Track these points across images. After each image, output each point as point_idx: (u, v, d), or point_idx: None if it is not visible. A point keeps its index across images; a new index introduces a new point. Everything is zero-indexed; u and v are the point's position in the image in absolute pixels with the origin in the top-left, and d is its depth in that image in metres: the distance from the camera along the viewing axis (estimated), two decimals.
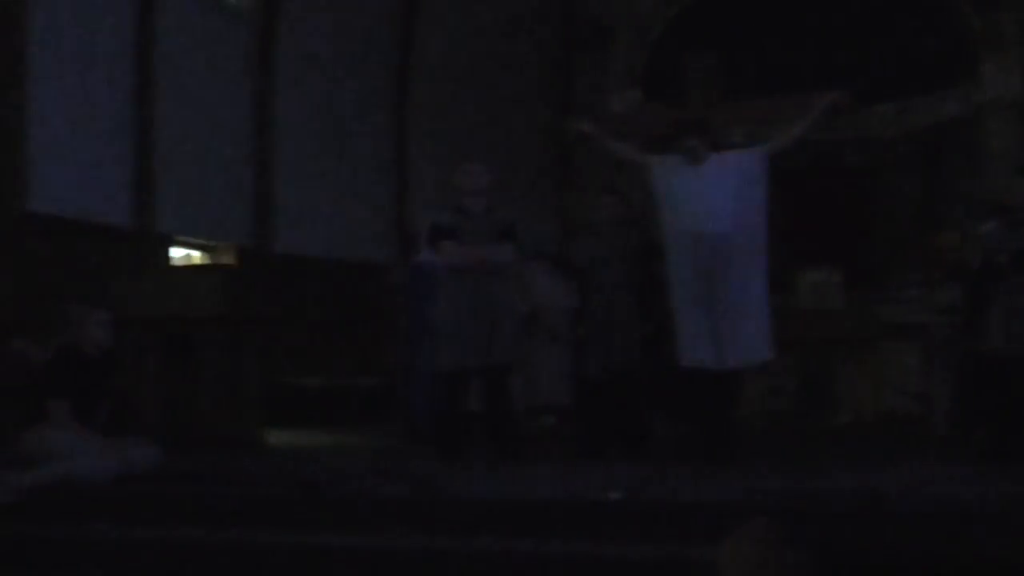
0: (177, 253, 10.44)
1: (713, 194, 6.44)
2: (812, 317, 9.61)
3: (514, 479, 5.97)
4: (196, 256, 10.76)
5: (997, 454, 6.32)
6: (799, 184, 9.70)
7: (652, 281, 7.30)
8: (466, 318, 6.84)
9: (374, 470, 6.07)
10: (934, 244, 9.05)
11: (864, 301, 10.20)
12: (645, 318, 7.36)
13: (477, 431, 7.75)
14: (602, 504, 5.08)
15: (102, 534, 5.43)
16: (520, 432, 7.49)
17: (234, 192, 10.79)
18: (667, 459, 6.74)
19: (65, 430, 6.01)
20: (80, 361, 6.12)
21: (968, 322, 6.89)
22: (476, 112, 13.24)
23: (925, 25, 12.61)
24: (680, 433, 8.04)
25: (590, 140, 7.09)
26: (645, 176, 6.77)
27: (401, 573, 4.79)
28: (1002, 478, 5.54)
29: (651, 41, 10.63)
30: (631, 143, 7.19)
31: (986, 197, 9.88)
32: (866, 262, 11.51)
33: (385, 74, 12.70)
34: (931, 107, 12.60)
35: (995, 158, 11.74)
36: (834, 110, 6.81)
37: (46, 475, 5.83)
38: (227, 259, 10.86)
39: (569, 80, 14.11)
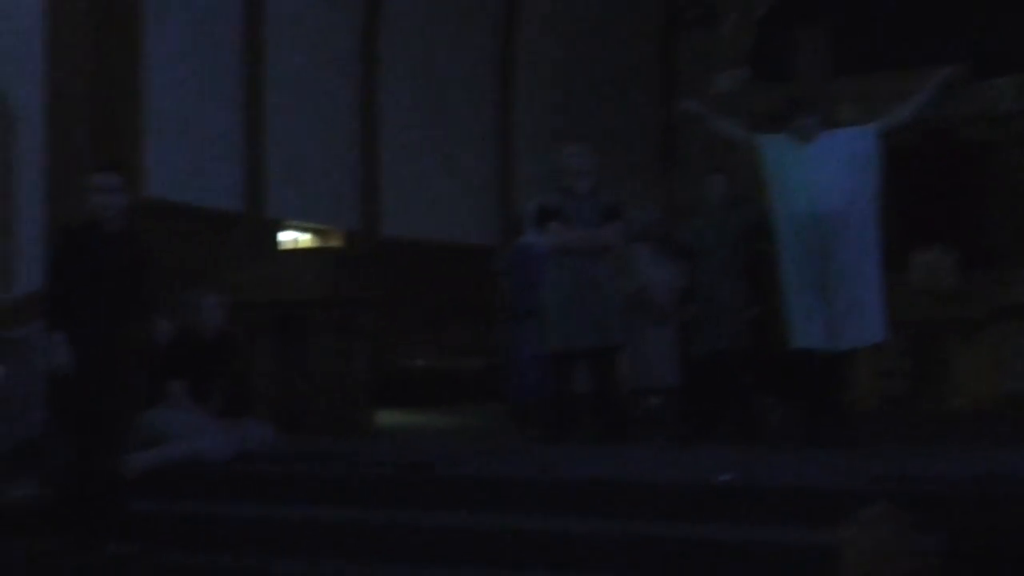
0: (285, 237, 10.61)
1: (824, 173, 6.31)
2: (926, 298, 9.37)
3: (621, 460, 5.95)
4: (304, 239, 10.92)
5: None
6: (912, 161, 9.43)
7: (761, 261, 7.21)
8: (572, 300, 6.83)
9: (484, 450, 6.12)
10: None
11: (980, 281, 9.91)
12: (753, 299, 7.28)
13: (583, 412, 7.75)
14: (712, 487, 5.03)
15: (218, 511, 5.57)
16: (626, 413, 7.47)
17: (341, 176, 10.93)
18: (776, 442, 6.66)
19: (183, 410, 6.17)
20: (197, 343, 6.27)
21: None
22: (579, 93, 13.20)
23: None
24: (789, 415, 7.94)
25: (697, 119, 7.01)
26: (754, 155, 6.67)
27: (510, 552, 4.82)
28: None
29: (758, 18, 10.46)
30: (738, 122, 7.09)
31: None
32: (982, 241, 11.18)
33: (488, 57, 12.72)
34: None
35: None
36: (949, 85, 6.62)
37: (165, 454, 6.00)
38: (334, 242, 11.02)
39: (672, 60, 13.96)
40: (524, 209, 8.48)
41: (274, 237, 10.20)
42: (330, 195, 10.72)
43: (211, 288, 6.65)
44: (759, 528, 4.70)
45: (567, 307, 6.83)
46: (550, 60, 13.18)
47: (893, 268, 7.67)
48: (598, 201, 6.96)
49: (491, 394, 11.64)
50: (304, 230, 10.84)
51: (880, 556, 2.49)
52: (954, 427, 7.83)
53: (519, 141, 13.01)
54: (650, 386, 8.42)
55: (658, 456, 6.18)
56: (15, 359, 6.77)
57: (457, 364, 11.93)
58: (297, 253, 10.04)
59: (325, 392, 7.92)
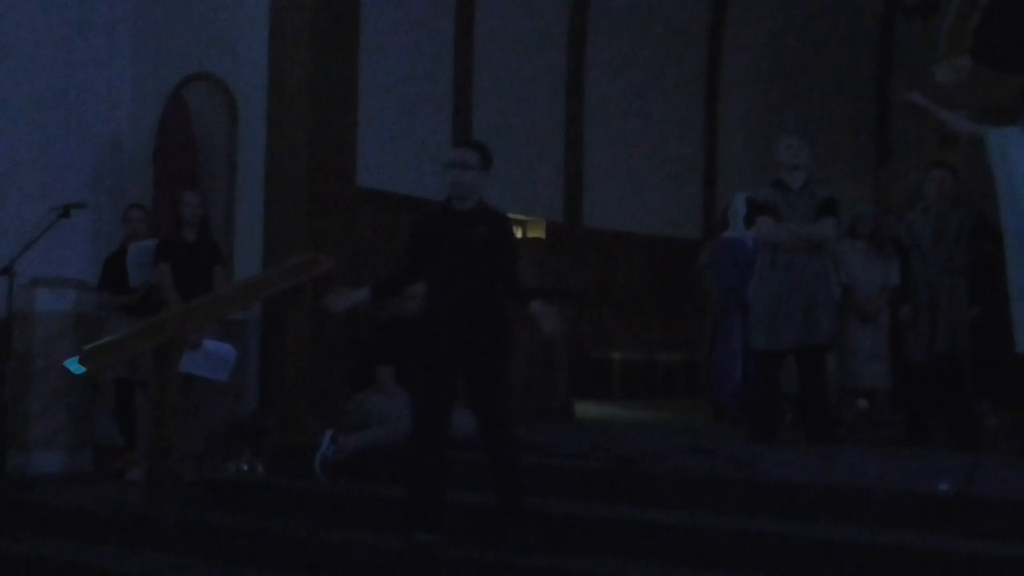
0: None
1: None
2: None
3: (831, 463, 5.77)
4: None
5: None
6: None
7: (983, 261, 6.88)
8: (783, 297, 6.66)
9: (689, 448, 6.03)
10: None
11: None
12: (974, 301, 6.95)
13: (788, 413, 7.57)
14: (931, 495, 4.82)
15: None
16: (833, 414, 7.25)
17: (544, 167, 10.98)
18: (997, 451, 6.34)
19: (391, 395, 6.30)
20: (404, 331, 6.39)
21: None
22: (790, 83, 12.88)
23: None
24: (1011, 423, 7.56)
25: (921, 111, 6.72)
26: (979, 149, 6.35)
27: (713, 553, 4.73)
28: None
29: (983, 5, 9.96)
30: (964, 115, 6.77)
31: None
32: None
33: (696, 48, 12.54)
34: None
35: None
36: None
37: (372, 437, 6.15)
38: (537, 233, 11.08)
39: (890, 48, 13.46)
40: (732, 202, 8.34)
41: None
42: (533, 186, 10.78)
43: None
44: (976, 541, 4.48)
45: (776, 304, 6.67)
46: (759, 48, 12.90)
47: None
48: (811, 195, 6.76)
49: (689, 389, 11.54)
50: None
51: None
52: None
53: (726, 131, 12.80)
54: (858, 387, 8.17)
55: (868, 460, 5.96)
56: (234, 341, 7.07)
57: (655, 357, 11.85)
58: None
59: (526, 382, 7.99)
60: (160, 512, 5.66)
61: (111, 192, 9.10)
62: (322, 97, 8.55)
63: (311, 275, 6.53)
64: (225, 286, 7.00)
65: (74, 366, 5.67)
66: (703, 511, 5.09)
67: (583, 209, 11.37)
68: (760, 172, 9.42)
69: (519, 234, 10.94)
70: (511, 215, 10.57)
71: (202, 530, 5.58)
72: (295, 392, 6.54)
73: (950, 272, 6.72)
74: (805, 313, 6.64)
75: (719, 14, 12.60)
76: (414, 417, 5.11)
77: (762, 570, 4.59)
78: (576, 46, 11.22)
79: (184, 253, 6.90)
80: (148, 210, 7.93)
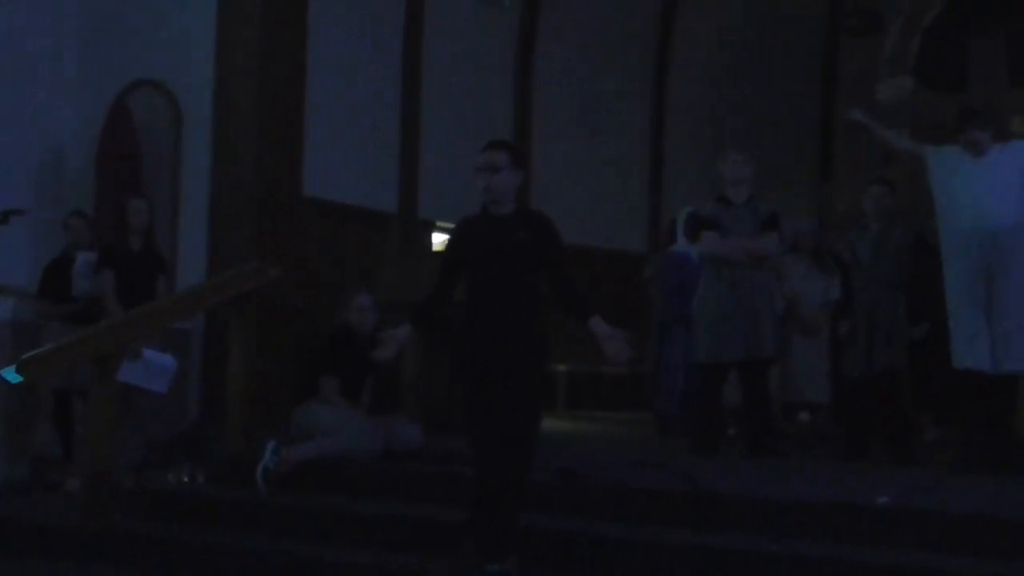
0: (439, 239, 10.72)
1: (995, 187, 6.06)
2: None
3: (772, 476, 5.83)
4: None
5: None
6: None
7: (922, 278, 6.98)
8: (725, 310, 6.72)
9: (633, 461, 6.05)
10: None
11: None
12: (914, 317, 7.04)
13: (732, 425, 7.62)
14: (869, 509, 4.87)
15: (361, 508, 5.63)
16: (775, 428, 7.32)
17: None
18: (936, 465, 6.43)
19: (334, 406, 6.27)
20: (351, 341, 6.37)
21: None
22: (735, 100, 12.99)
23: None
24: (947, 437, 7.66)
25: (863, 129, 6.81)
26: (920, 167, 6.45)
27: (654, 566, 4.75)
28: None
29: (924, 26, 10.14)
30: (904, 132, 6.88)
31: None
32: None
33: (643, 63, 12.62)
34: None
35: None
36: None
37: (316, 448, 6.11)
38: None
39: (833, 68, 13.64)
40: (677, 217, 8.39)
41: (426, 238, 10.32)
42: (480, 198, 10.76)
43: (360, 288, 6.76)
44: (918, 554, 4.53)
45: (720, 318, 6.72)
46: (706, 66, 13.01)
47: None
48: (755, 210, 6.83)
49: (634, 402, 11.58)
50: None
51: None
52: None
53: (672, 147, 12.89)
54: (800, 401, 8.25)
55: (809, 474, 6.02)
56: (176, 351, 7.00)
57: (601, 370, 11.87)
58: None
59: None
60: (99, 524, 5.58)
61: (53, 199, 8.96)
62: (269, 105, 8.50)
63: (256, 284, 6.48)
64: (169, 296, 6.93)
65: (11, 375, 5.58)
66: (646, 524, 5.11)
67: None
68: (707, 188, 9.49)
69: None
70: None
71: (142, 542, 5.51)
72: (238, 402, 6.48)
73: (889, 288, 6.80)
74: (748, 327, 6.70)
75: (667, 26, 12.70)
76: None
77: None
78: (524, 64, 11.25)
79: (129, 261, 6.82)
80: (89, 218, 7.84)
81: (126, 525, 5.67)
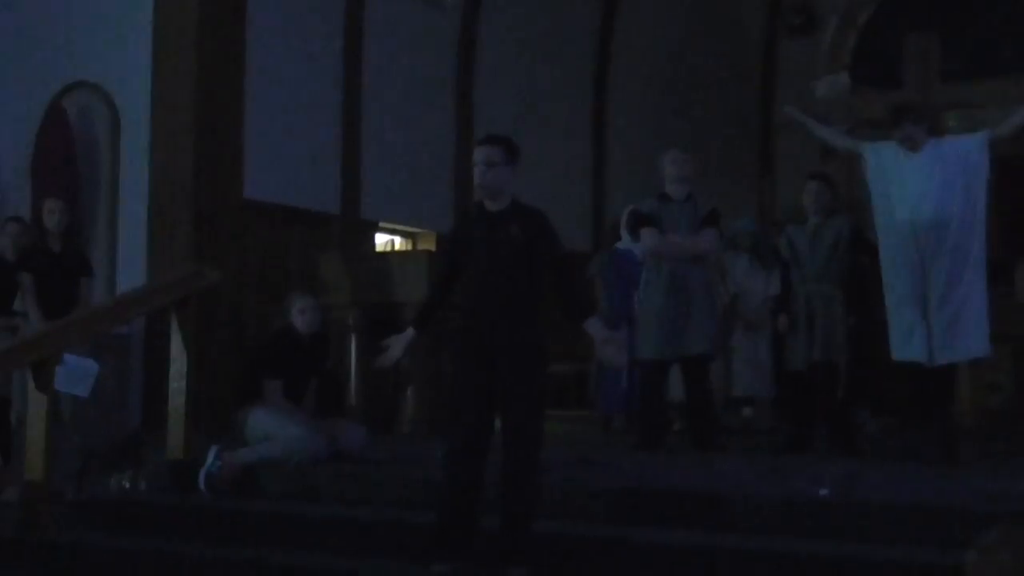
0: (381, 240, 10.69)
1: (929, 182, 6.16)
2: None
3: (715, 471, 5.87)
4: (398, 242, 10.99)
5: None
6: (1019, 172, 9.18)
7: (859, 272, 7.07)
8: (667, 307, 6.76)
9: (577, 458, 6.07)
10: None
11: None
12: (851, 310, 7.12)
13: (676, 421, 7.68)
14: (811, 501, 4.93)
15: (307, 511, 5.60)
16: (718, 423, 7.38)
17: (435, 180, 10.96)
18: (876, 456, 6.52)
19: (277, 410, 6.22)
20: (293, 343, 6.33)
21: None
22: (676, 98, 13.09)
23: None
24: (885, 429, 7.77)
25: (798, 126, 6.89)
26: (857, 162, 6.54)
27: (601, 562, 4.77)
28: None
29: (860, 24, 10.28)
30: (841, 129, 6.96)
31: None
32: None
33: (583, 62, 12.68)
34: None
35: None
36: None
37: (260, 452, 6.06)
38: (427, 245, 11.06)
39: (772, 66, 13.79)
40: (620, 214, 8.43)
41: (369, 239, 10.28)
42: (420, 198, 10.76)
43: (304, 290, 6.71)
44: (859, 545, 4.59)
45: (661, 314, 6.77)
46: (647, 64, 13.09)
47: (998, 281, 7.47)
48: (694, 207, 6.88)
49: (579, 400, 11.61)
50: (397, 233, 10.91)
51: None
52: None
53: (613, 146, 12.95)
54: (743, 396, 8.33)
55: (752, 467, 6.07)
56: (115, 356, 6.91)
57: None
58: (394, 255, 10.11)
59: (416, 394, 7.96)
60: (37, 534, 5.49)
61: None
62: (207, 107, 8.41)
63: (196, 288, 6.42)
64: (97, 299, 6.85)
65: None
66: (593, 522, 5.12)
67: None
68: (649, 185, 9.54)
69: (408, 246, 10.92)
70: (402, 226, 10.73)
71: (82, 551, 5.43)
72: (180, 407, 6.41)
73: (826, 282, 6.85)
74: (689, 323, 6.75)
75: (606, 31, 12.76)
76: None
77: None
78: (465, 66, 11.24)
79: (48, 264, 6.73)
80: (27, 223, 7.72)
81: (66, 535, 5.58)
